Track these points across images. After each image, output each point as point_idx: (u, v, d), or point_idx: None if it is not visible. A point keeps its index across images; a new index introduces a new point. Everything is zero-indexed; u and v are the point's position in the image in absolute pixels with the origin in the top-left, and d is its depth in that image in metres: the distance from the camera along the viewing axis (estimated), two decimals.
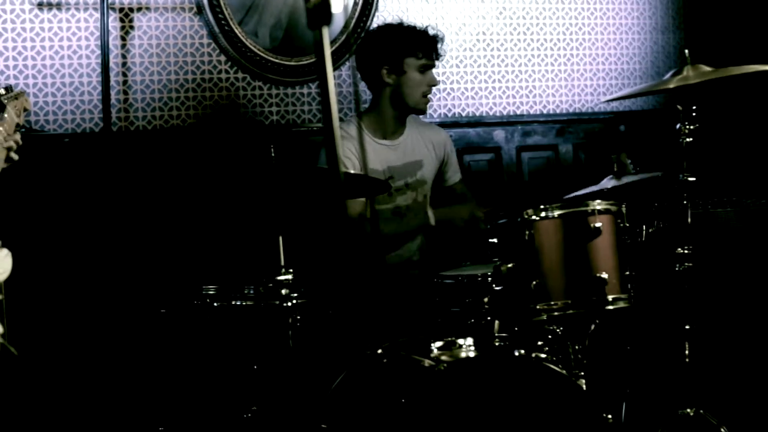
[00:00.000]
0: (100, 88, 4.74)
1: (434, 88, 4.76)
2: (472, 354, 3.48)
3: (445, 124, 5.38)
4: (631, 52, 6.06)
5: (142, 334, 4.55)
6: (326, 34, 2.01)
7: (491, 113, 5.71)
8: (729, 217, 4.77)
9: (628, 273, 3.73)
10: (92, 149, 4.73)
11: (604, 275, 3.64)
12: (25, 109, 3.45)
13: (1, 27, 4.64)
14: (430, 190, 4.81)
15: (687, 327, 4.06)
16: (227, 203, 4.86)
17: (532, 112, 5.82)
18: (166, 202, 4.85)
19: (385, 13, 5.37)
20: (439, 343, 3.51)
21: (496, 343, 3.67)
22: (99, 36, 4.72)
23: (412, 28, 4.63)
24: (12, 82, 4.62)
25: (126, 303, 4.65)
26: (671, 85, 4.02)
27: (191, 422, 3.89)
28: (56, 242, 4.66)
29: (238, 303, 3.83)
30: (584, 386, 3.58)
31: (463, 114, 5.63)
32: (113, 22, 4.79)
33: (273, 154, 3.87)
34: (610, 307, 3.67)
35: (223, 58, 5.05)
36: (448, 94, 5.58)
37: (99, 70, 4.74)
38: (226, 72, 5.07)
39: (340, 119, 5.20)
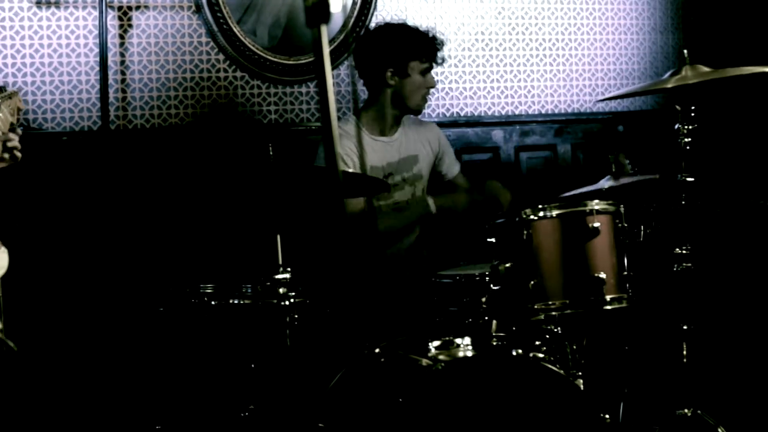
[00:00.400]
0: (98, 87, 4.74)
1: (432, 88, 4.77)
2: (469, 353, 3.48)
3: (444, 124, 5.38)
4: (630, 53, 6.06)
5: (139, 333, 4.54)
6: (325, 33, 2.01)
7: (490, 113, 5.71)
8: (727, 217, 4.77)
9: (626, 273, 3.73)
10: (90, 148, 4.73)
11: (602, 275, 3.64)
12: (19, 109, 3.44)
13: None
14: (427, 184, 4.83)
15: (685, 327, 4.06)
16: (225, 202, 4.86)
17: (530, 112, 5.82)
18: (164, 201, 4.85)
19: (383, 12, 5.37)
20: (436, 343, 3.51)
21: (494, 343, 3.66)
22: (97, 34, 4.72)
23: (417, 31, 4.65)
24: (10, 80, 4.62)
25: (124, 301, 4.65)
26: (669, 85, 4.02)
27: (189, 421, 3.88)
28: (54, 240, 4.66)
29: (236, 302, 3.83)
30: (582, 386, 3.58)
31: (462, 114, 5.63)
32: (112, 21, 4.79)
33: (271, 153, 3.87)
34: (608, 307, 3.67)
35: (221, 56, 5.05)
36: (447, 93, 5.58)
37: (97, 68, 4.74)
38: (225, 71, 5.07)
39: (338, 117, 5.21)
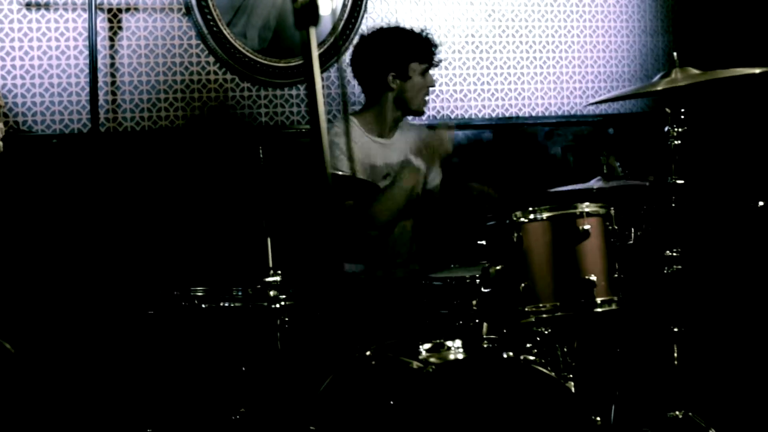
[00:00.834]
0: (88, 89, 4.73)
1: (432, 87, 4.78)
2: (460, 356, 3.48)
3: (434, 126, 5.37)
4: (620, 55, 6.07)
5: (130, 336, 4.53)
6: (313, 35, 2.00)
7: (480, 115, 5.71)
8: (717, 219, 4.77)
9: (616, 275, 3.73)
10: (80, 150, 4.72)
11: (593, 278, 3.64)
12: None
13: None
14: (426, 187, 4.82)
15: (675, 329, 4.06)
16: (216, 204, 4.86)
17: (520, 114, 5.82)
18: (155, 204, 4.84)
19: (374, 15, 5.37)
20: (427, 345, 3.51)
21: (485, 346, 3.66)
22: (87, 36, 4.71)
23: (414, 33, 4.66)
24: None
25: (114, 304, 4.64)
26: (658, 88, 4.02)
27: (179, 424, 3.88)
28: (44, 243, 4.65)
29: (227, 304, 3.82)
30: (573, 388, 3.58)
31: (452, 116, 5.63)
32: (101, 23, 4.78)
33: (261, 156, 3.86)
34: (599, 310, 3.67)
35: (211, 59, 5.04)
36: (437, 96, 5.58)
37: (87, 70, 4.73)
38: (215, 73, 5.06)
39: (333, 117, 5.21)
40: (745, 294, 4.69)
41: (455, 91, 5.63)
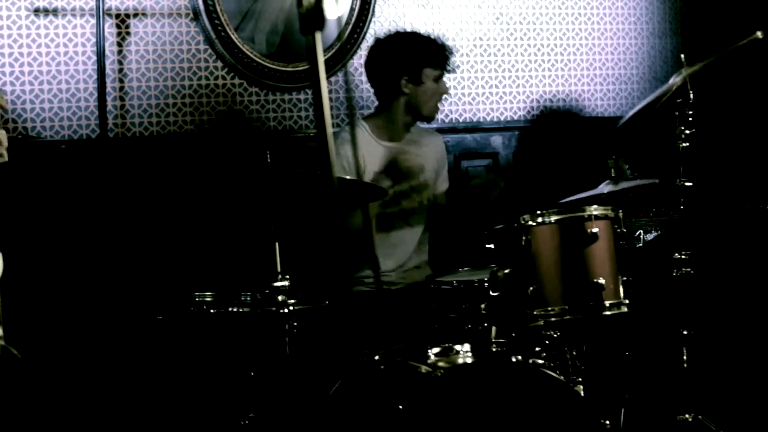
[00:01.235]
0: (96, 95, 4.74)
1: (445, 95, 4.77)
2: (469, 360, 3.47)
3: (443, 130, 5.38)
4: (628, 57, 6.06)
5: (138, 341, 4.54)
6: (319, 40, 2.00)
7: (488, 119, 5.71)
8: (726, 222, 4.76)
9: (625, 278, 3.72)
10: (89, 156, 4.73)
11: (602, 281, 3.63)
12: (2, 107, 3.41)
13: None
14: (433, 194, 4.80)
15: (685, 332, 4.06)
16: (223, 209, 4.86)
17: (529, 117, 5.81)
18: (163, 209, 4.84)
19: (382, 19, 5.37)
20: (436, 349, 3.50)
21: (494, 349, 3.66)
22: (95, 42, 4.71)
23: (429, 39, 4.67)
24: (8, 88, 4.61)
25: (123, 309, 4.65)
26: (675, 89, 4.02)
27: (189, 429, 3.88)
28: (54, 248, 4.65)
29: (235, 309, 3.83)
30: (582, 392, 3.58)
31: (461, 120, 5.63)
32: (109, 28, 4.79)
33: (269, 161, 3.86)
34: (608, 313, 3.66)
35: (219, 64, 5.05)
36: (446, 99, 5.56)
37: (95, 76, 4.74)
38: (223, 78, 5.06)
39: (342, 122, 5.21)
40: (755, 296, 4.68)
41: (463, 94, 5.63)
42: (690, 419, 3.96)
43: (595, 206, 3.73)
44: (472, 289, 3.83)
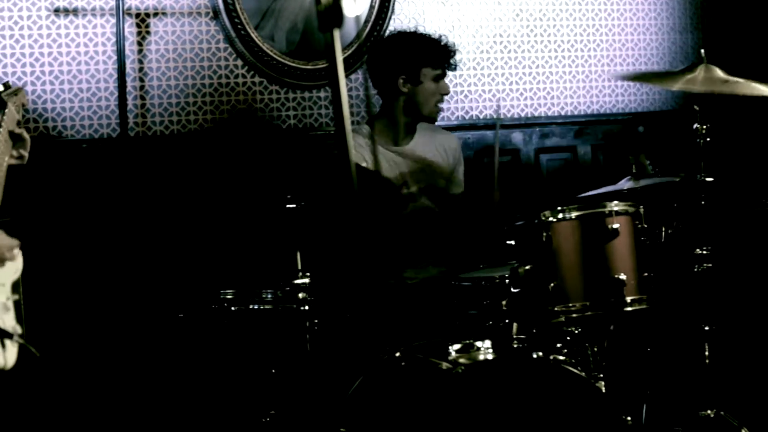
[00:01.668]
0: (116, 94, 4.75)
1: (452, 91, 4.75)
2: (490, 356, 3.47)
3: (463, 127, 5.38)
4: (649, 53, 6.04)
5: (160, 339, 4.55)
6: (338, 37, 2.01)
7: (509, 115, 5.70)
8: (747, 217, 4.74)
9: (646, 274, 3.71)
10: (110, 155, 4.74)
11: (623, 276, 3.63)
12: (24, 105, 3.43)
13: (18, 33, 4.65)
14: (447, 193, 4.79)
15: (706, 328, 4.04)
16: (244, 207, 4.86)
17: (549, 113, 5.80)
18: (184, 207, 4.85)
19: (401, 16, 5.36)
20: (457, 346, 3.50)
21: (515, 346, 3.66)
22: (115, 41, 4.73)
23: (428, 38, 4.63)
24: (29, 88, 4.63)
25: (144, 307, 4.66)
26: (677, 84, 4.01)
27: (210, 426, 3.89)
28: (75, 247, 4.67)
29: (256, 307, 3.84)
30: (603, 388, 3.57)
31: (481, 116, 5.62)
32: (129, 28, 4.80)
33: (290, 158, 3.87)
34: (629, 309, 3.66)
35: (239, 62, 5.06)
36: (466, 96, 5.57)
37: (116, 75, 4.75)
38: (243, 76, 5.07)
39: (352, 123, 5.20)
40: None
41: (484, 91, 5.62)
42: (712, 415, 3.94)
43: (615, 202, 3.72)
44: (493, 285, 3.82)
